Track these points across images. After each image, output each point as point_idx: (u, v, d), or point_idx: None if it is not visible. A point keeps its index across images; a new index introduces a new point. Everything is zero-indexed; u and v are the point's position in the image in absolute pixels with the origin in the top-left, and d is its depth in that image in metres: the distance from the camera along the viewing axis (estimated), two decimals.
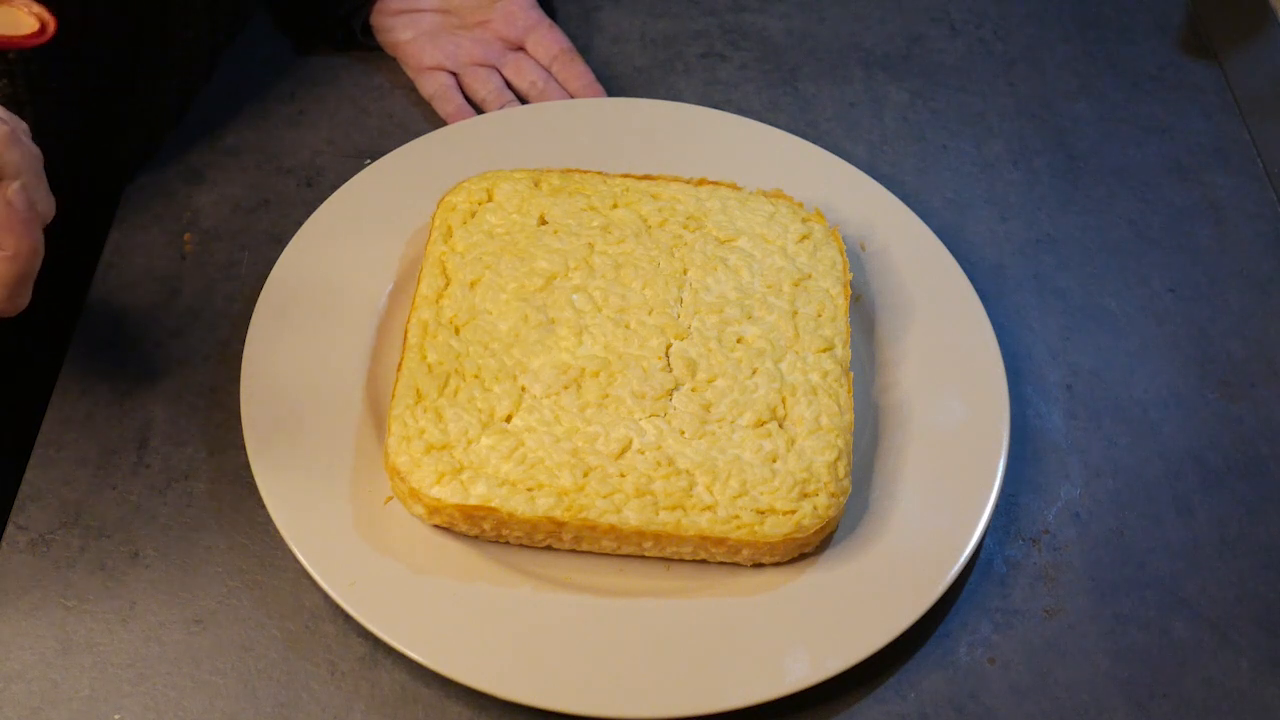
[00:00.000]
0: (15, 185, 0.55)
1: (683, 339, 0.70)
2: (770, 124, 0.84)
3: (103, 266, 0.76)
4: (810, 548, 0.66)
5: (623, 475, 0.65)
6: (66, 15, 0.56)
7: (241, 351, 0.69)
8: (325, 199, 0.77)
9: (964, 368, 0.74)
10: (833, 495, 0.66)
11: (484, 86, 0.86)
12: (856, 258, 0.78)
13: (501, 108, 0.85)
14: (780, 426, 0.68)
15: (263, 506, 0.65)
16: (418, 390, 0.67)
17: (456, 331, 0.69)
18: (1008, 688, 0.66)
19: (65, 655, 0.63)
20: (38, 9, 0.51)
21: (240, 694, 0.62)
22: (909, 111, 0.91)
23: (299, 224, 0.75)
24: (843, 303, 0.73)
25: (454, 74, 0.86)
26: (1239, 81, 0.95)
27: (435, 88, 0.86)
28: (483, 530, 0.65)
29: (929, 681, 0.66)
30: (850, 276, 0.75)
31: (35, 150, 0.57)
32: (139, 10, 0.76)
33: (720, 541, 0.65)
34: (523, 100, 0.86)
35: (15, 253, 0.55)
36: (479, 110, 0.86)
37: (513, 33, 0.88)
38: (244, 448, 0.66)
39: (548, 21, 0.88)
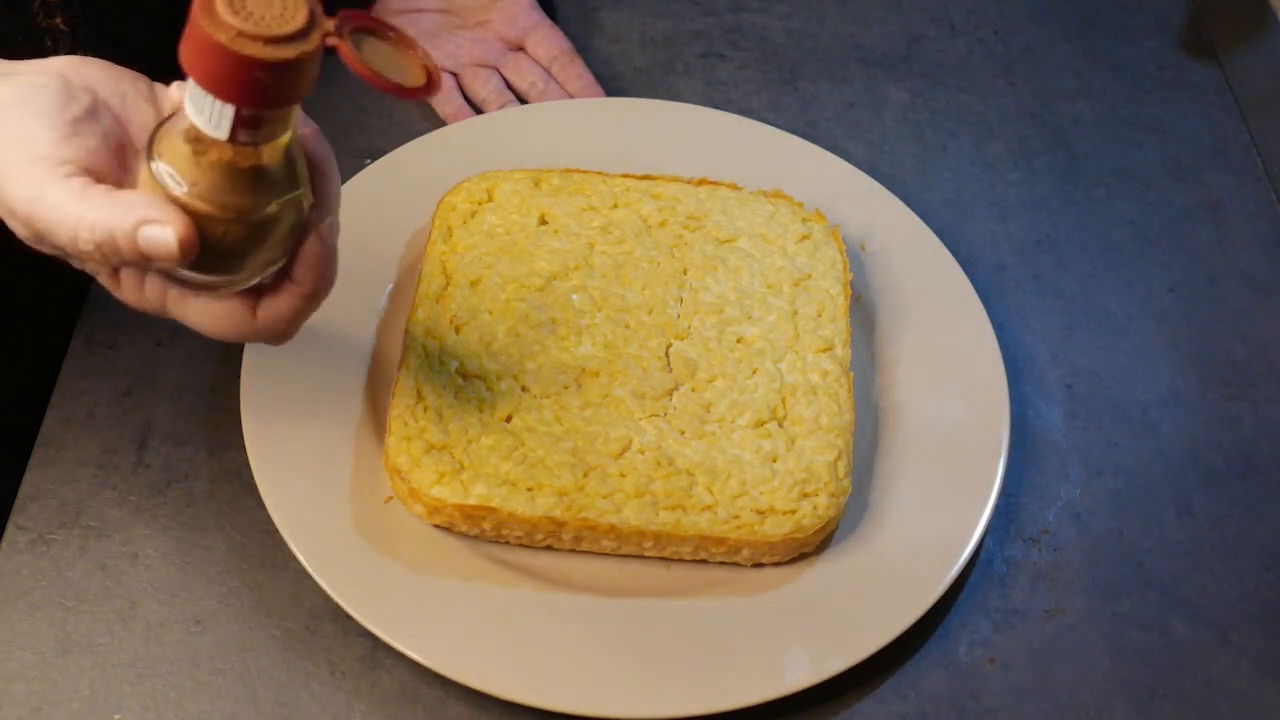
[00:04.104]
0: (331, 220, 0.52)
1: (683, 339, 0.70)
2: (770, 124, 0.84)
3: None
4: (810, 548, 0.66)
5: (623, 475, 0.65)
6: None
7: (241, 351, 0.69)
8: None
9: (964, 368, 0.74)
10: (833, 495, 0.66)
11: (484, 87, 0.86)
12: (856, 258, 0.78)
13: (501, 108, 0.85)
14: (780, 426, 0.68)
15: (263, 506, 0.65)
16: (418, 390, 0.67)
17: (457, 331, 0.69)
18: (1008, 688, 0.66)
19: (65, 655, 0.63)
20: (431, 63, 0.49)
21: (240, 694, 0.62)
22: (909, 111, 0.91)
23: None
24: (843, 303, 0.73)
25: (454, 74, 0.86)
26: (1239, 81, 0.95)
27: None
28: (483, 530, 0.65)
29: (929, 681, 0.66)
30: (850, 276, 0.75)
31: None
32: None
33: (720, 541, 0.65)
34: (523, 100, 0.86)
35: (313, 292, 0.53)
36: (479, 110, 0.86)
37: (513, 33, 0.88)
38: (244, 448, 0.66)
39: (548, 22, 0.88)
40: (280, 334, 0.54)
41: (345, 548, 0.64)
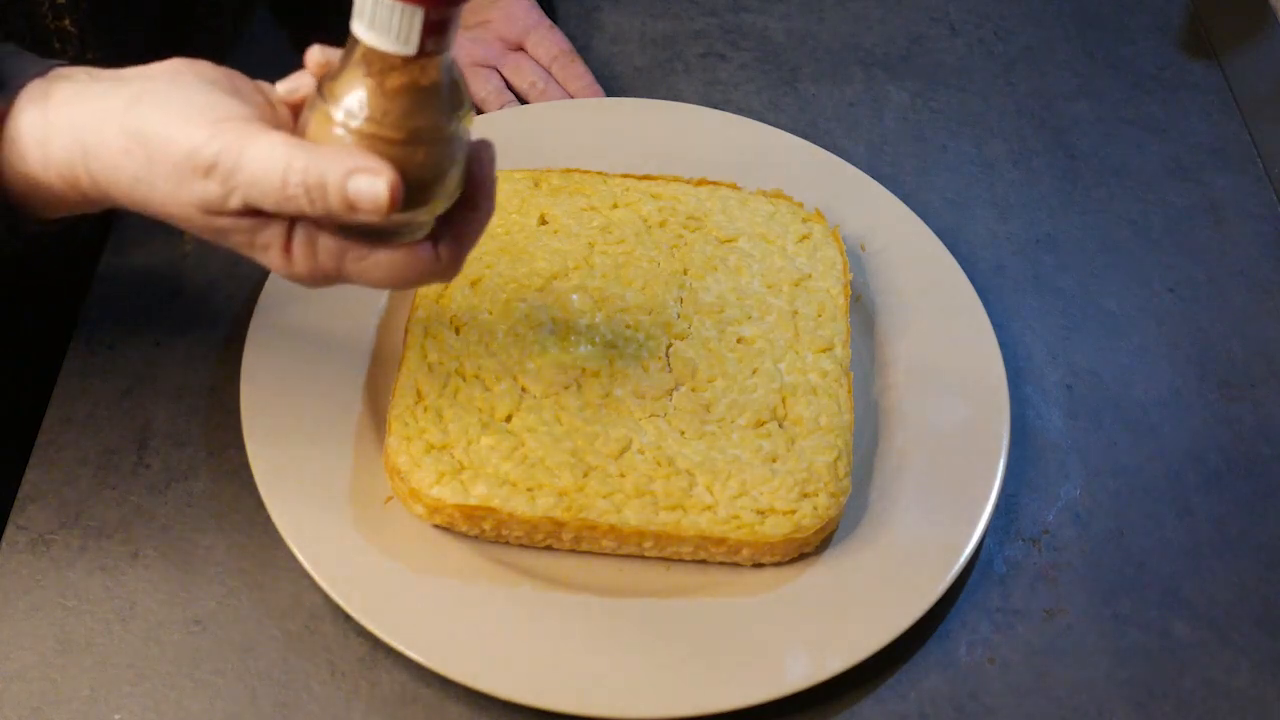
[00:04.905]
0: (485, 140, 0.53)
1: (683, 339, 0.70)
2: (770, 124, 0.84)
3: (103, 266, 0.76)
4: (810, 548, 0.66)
5: (623, 475, 0.65)
6: None
7: (241, 351, 0.69)
8: None
9: (964, 368, 0.74)
10: (833, 495, 0.66)
11: (483, 87, 0.86)
12: (856, 258, 0.78)
13: (502, 108, 0.85)
14: (780, 426, 0.68)
15: (263, 506, 0.65)
16: (418, 390, 0.67)
17: (457, 331, 0.69)
18: (1008, 688, 0.66)
19: (65, 655, 0.63)
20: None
21: (240, 694, 0.62)
22: (909, 111, 0.91)
23: None
24: (843, 303, 0.73)
25: None
26: (1239, 81, 0.95)
27: None
28: (483, 530, 0.65)
29: (929, 681, 0.66)
30: (850, 276, 0.75)
31: None
32: None
33: (720, 541, 0.65)
34: (522, 100, 0.86)
35: (488, 215, 0.53)
36: (479, 110, 0.86)
37: (512, 33, 0.88)
38: (244, 448, 0.66)
39: (547, 22, 0.88)
40: (458, 269, 0.55)
41: (345, 548, 0.64)
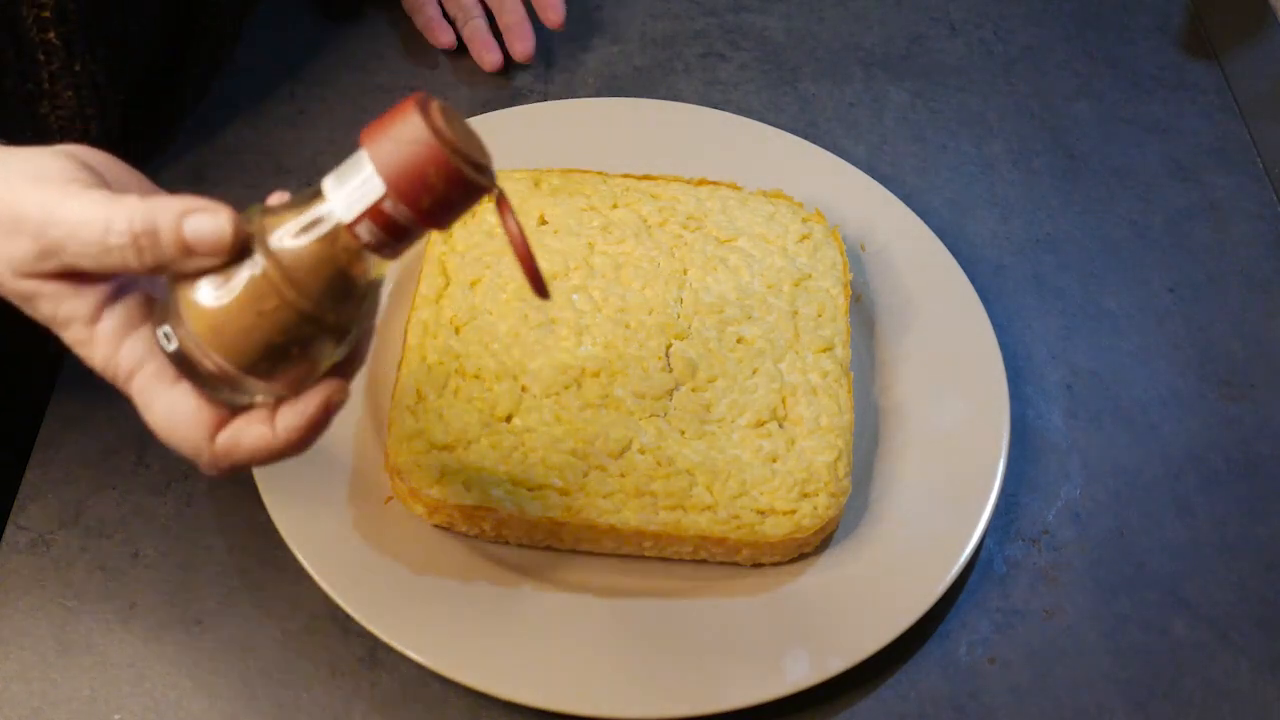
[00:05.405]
0: (344, 392, 0.50)
1: (683, 339, 0.70)
2: (770, 124, 0.84)
3: None
4: (810, 548, 0.66)
5: (623, 475, 0.65)
6: None
7: None
8: None
9: (964, 368, 0.74)
10: (833, 495, 0.66)
11: (420, 15, 0.89)
12: (856, 258, 0.78)
13: (437, 41, 0.88)
14: (780, 426, 0.68)
15: (263, 506, 0.65)
16: (418, 390, 0.67)
17: (457, 331, 0.69)
18: (1008, 688, 0.66)
19: (65, 655, 0.63)
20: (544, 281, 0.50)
21: (240, 694, 0.62)
22: (909, 111, 0.91)
23: None
24: (843, 303, 0.73)
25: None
26: (1239, 81, 0.95)
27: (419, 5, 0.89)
28: (483, 530, 0.65)
29: (929, 681, 0.66)
30: (850, 276, 0.75)
31: None
32: None
33: (720, 541, 0.65)
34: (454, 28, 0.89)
35: (282, 448, 0.50)
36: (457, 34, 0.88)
37: None
38: None
39: None
40: (223, 470, 0.51)
41: (345, 548, 0.64)
